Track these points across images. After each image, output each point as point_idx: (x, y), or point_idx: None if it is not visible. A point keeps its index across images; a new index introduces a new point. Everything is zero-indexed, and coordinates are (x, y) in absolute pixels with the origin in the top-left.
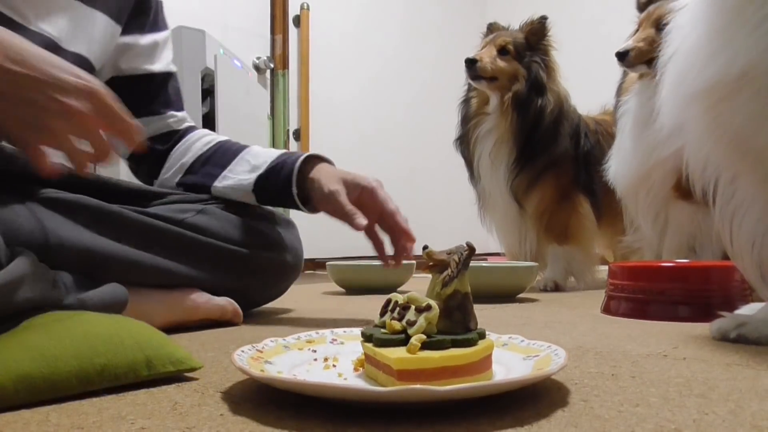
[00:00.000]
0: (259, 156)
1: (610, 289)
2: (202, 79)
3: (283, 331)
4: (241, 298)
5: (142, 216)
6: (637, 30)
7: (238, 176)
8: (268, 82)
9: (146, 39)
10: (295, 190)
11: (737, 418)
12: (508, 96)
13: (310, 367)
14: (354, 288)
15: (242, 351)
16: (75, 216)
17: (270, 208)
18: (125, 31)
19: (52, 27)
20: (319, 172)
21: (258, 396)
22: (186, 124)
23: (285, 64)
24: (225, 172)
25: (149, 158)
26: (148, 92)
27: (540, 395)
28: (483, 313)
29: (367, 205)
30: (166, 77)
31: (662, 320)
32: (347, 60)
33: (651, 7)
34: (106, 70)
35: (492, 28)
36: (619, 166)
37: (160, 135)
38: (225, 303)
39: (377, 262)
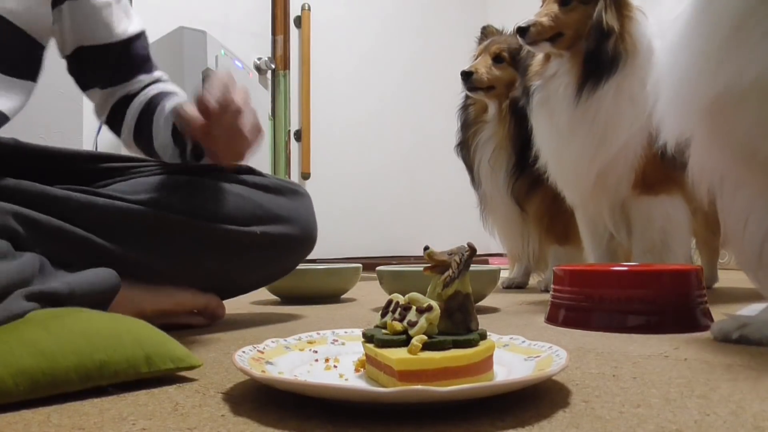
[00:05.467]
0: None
1: (552, 296)
2: (203, 80)
3: (284, 332)
4: (241, 276)
5: (93, 197)
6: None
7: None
8: (269, 82)
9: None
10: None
11: (738, 419)
12: (506, 104)
13: (311, 367)
14: (291, 296)
15: (243, 352)
16: (17, 202)
17: (273, 176)
18: None
19: None
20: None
21: (259, 397)
22: (160, 84)
23: (286, 65)
24: (154, 132)
25: (121, 119)
26: (110, 60)
27: (541, 396)
28: (483, 315)
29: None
30: (129, 41)
31: (607, 331)
32: (348, 60)
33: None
34: (66, 40)
35: (486, 31)
36: (562, 172)
37: (126, 96)
38: (209, 297)
39: (320, 266)
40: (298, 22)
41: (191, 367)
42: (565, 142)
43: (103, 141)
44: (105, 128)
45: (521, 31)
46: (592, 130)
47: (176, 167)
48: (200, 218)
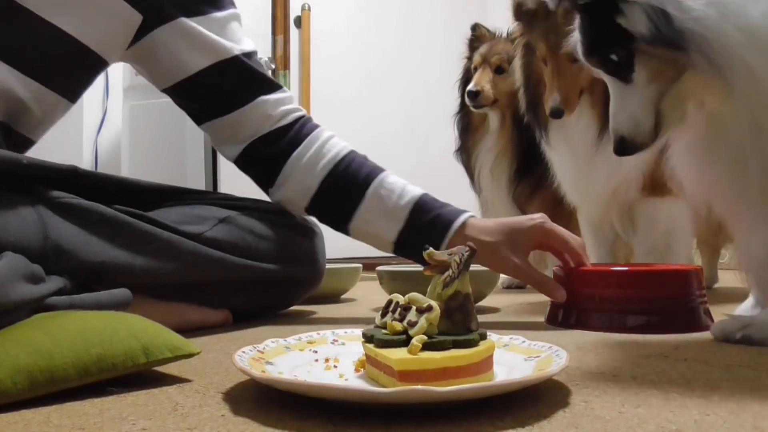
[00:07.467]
0: (391, 198)
1: None
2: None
3: (284, 332)
4: (252, 305)
5: (157, 229)
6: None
7: (376, 224)
8: None
9: (195, 21)
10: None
11: (738, 419)
12: (509, 113)
13: (311, 367)
14: None
15: (243, 352)
16: (84, 223)
17: (298, 217)
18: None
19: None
20: (478, 230)
21: (259, 397)
22: (293, 114)
23: (286, 65)
24: (359, 212)
25: (257, 163)
26: (222, 84)
27: (541, 396)
28: (483, 315)
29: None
30: (239, 60)
31: (607, 331)
32: (348, 61)
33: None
34: (161, 71)
35: (478, 33)
36: (581, 196)
37: (263, 135)
38: (217, 314)
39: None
40: (298, 22)
41: (189, 355)
42: (585, 172)
43: (104, 141)
44: (105, 129)
45: (557, 113)
46: (611, 156)
47: (217, 200)
48: (235, 254)
